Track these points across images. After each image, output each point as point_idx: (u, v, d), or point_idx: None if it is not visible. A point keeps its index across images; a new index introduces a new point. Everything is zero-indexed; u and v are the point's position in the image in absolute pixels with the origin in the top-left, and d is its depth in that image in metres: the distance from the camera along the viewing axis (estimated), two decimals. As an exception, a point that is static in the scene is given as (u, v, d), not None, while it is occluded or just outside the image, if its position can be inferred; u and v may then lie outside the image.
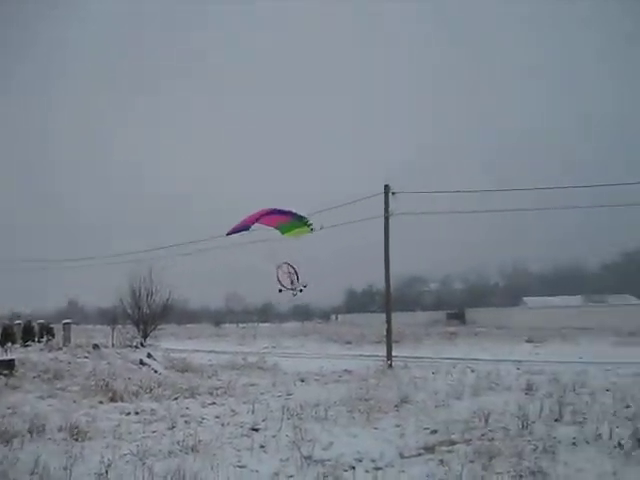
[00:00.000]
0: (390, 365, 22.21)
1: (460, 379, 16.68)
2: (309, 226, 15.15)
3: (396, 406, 12.94)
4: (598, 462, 8.15)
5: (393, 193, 23.60)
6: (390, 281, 24.74)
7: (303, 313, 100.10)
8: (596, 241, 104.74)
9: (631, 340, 33.24)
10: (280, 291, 14.77)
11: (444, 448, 9.16)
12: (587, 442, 9.28)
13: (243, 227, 14.50)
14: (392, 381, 17.05)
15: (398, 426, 10.94)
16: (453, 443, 9.45)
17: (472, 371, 18.83)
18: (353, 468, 8.21)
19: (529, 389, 14.76)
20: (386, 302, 25.56)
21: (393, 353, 23.68)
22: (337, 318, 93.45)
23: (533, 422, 10.50)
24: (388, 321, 24.36)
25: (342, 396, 14.10)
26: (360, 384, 16.44)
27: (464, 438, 9.71)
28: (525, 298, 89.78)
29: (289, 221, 14.97)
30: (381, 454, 8.85)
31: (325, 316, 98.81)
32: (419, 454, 8.97)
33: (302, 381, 18.19)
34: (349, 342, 40.35)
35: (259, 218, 14.48)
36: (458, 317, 73.18)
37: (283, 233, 15.03)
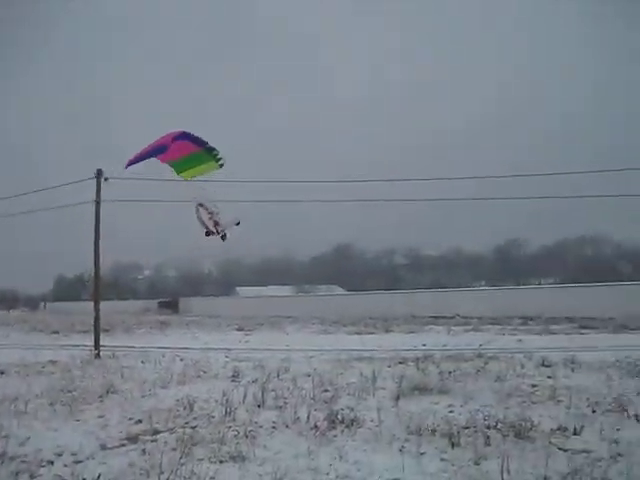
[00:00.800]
0: (98, 355, 21.53)
1: (168, 368, 16.55)
2: (218, 161, 12.22)
3: (101, 397, 12.52)
4: (295, 444, 8.50)
5: (106, 179, 22.90)
6: (100, 268, 23.99)
7: (10, 300, 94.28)
8: (307, 234, 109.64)
9: (334, 328, 35.24)
10: (207, 234, 12.19)
11: (147, 437, 9.03)
12: (287, 425, 9.64)
13: (151, 153, 11.51)
14: (98, 371, 16.51)
15: (102, 417, 10.59)
16: (157, 432, 9.34)
17: (181, 360, 18.77)
18: (51, 463, 7.83)
19: (235, 376, 15.00)
20: (95, 289, 24.76)
21: (102, 342, 23.00)
22: (45, 306, 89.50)
23: (236, 408, 10.68)
24: (96, 309, 23.60)
25: (44, 388, 13.40)
26: (64, 375, 15.71)
27: (168, 427, 9.65)
28: (238, 288, 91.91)
29: (197, 152, 11.90)
30: (82, 447, 8.48)
31: (33, 304, 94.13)
32: (122, 445, 8.76)
33: (2, 373, 17.05)
34: (56, 331, 38.45)
35: (168, 144, 11.36)
36: (171, 306, 73.16)
37: (180, 172, 12.03)
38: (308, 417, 9.89)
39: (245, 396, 11.71)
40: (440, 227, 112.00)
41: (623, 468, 7.03)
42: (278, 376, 14.69)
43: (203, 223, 11.97)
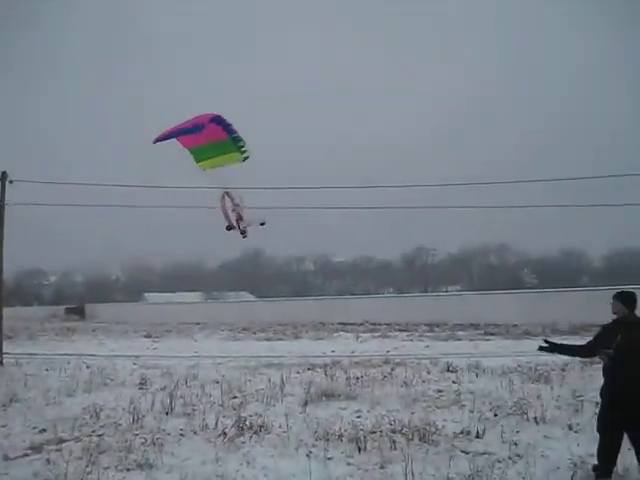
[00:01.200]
0: (0, 362, 20.93)
1: (74, 375, 16.22)
2: (243, 153, 10.69)
3: (4, 406, 12.22)
4: (203, 450, 8.53)
5: (11, 181, 22.25)
6: (2, 273, 23.28)
7: None
8: (216, 239, 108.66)
9: (243, 335, 35.16)
10: (229, 229, 10.53)
11: (52, 447, 8.89)
12: (195, 432, 9.66)
13: (184, 131, 9.97)
14: (1, 379, 16.07)
15: (4, 427, 10.37)
16: (62, 441, 9.20)
17: (87, 367, 18.40)
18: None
19: (143, 383, 14.86)
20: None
21: (5, 350, 22.33)
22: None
23: (144, 416, 10.61)
24: (-1, 315, 22.90)
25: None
26: (-37, 384, 15.26)
27: (73, 435, 9.52)
28: (146, 294, 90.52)
29: (223, 140, 10.49)
30: (-17, 457, 8.33)
31: None
32: (25, 454, 8.59)
33: None
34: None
35: (205, 125, 9.91)
36: (77, 312, 71.39)
37: (199, 161, 10.59)
38: (216, 424, 9.93)
39: (153, 403, 11.65)
40: (350, 234, 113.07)
41: (521, 468, 7.32)
42: (186, 383, 14.63)
43: (226, 215, 10.54)
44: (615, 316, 6.94)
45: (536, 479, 7.04)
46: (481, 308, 35.87)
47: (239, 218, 10.52)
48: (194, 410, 11.32)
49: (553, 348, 7.29)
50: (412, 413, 10.69)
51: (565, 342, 7.89)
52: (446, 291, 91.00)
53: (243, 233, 9.38)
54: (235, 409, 11.27)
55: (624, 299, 6.90)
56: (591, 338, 7.20)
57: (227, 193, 10.43)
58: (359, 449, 8.38)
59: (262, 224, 9.29)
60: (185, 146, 9.80)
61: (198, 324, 43.42)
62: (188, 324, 43.82)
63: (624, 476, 6.99)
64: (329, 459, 8.06)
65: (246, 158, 10.71)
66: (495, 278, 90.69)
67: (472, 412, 10.69)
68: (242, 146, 10.55)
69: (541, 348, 7.35)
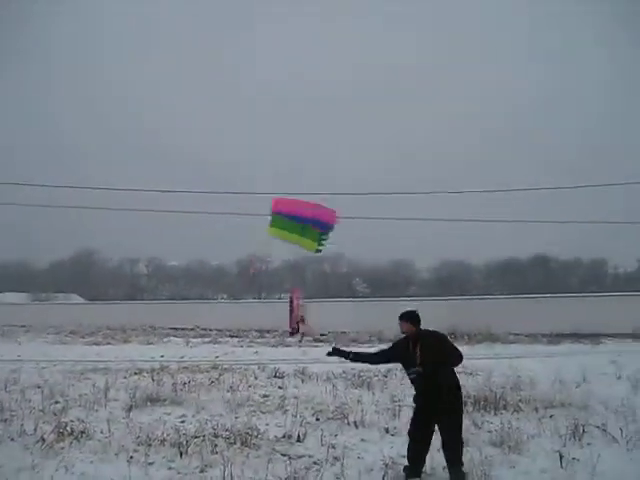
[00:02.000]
0: None
1: None
2: (320, 246, 10.66)
3: None
4: (19, 457, 8.27)
5: None
6: None
7: None
8: (46, 238, 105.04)
9: (70, 339, 34.08)
10: (292, 334, 8.74)
11: None
12: (12, 439, 9.34)
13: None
14: None
15: None
16: None
17: None
18: None
19: (-42, 389, 14.19)
20: None
21: None
22: None
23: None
24: None
25: None
26: None
27: None
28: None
29: (314, 229, 10.27)
30: None
31: None
32: None
33: None
34: None
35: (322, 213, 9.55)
36: None
37: (274, 226, 10.37)
38: (35, 429, 9.67)
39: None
40: (184, 238, 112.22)
41: (337, 470, 7.64)
42: (6, 388, 14.08)
43: (291, 317, 9.48)
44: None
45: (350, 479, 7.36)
46: (312, 316, 36.55)
47: (301, 320, 9.68)
48: (12, 416, 10.92)
49: (342, 354, 8.01)
50: (236, 418, 10.85)
51: (362, 350, 8.33)
52: (280, 298, 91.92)
53: (300, 340, 8.89)
54: (56, 414, 10.99)
55: (412, 319, 7.59)
56: (385, 347, 7.86)
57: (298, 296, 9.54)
58: (181, 454, 8.43)
59: (322, 335, 8.97)
60: (276, 209, 9.27)
61: (23, 326, 41.60)
62: (12, 326, 41.89)
63: (431, 475, 7.48)
64: (150, 464, 8.06)
65: (318, 251, 11.07)
66: (329, 286, 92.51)
67: (295, 417, 10.95)
68: (324, 240, 10.69)
69: (329, 354, 8.08)
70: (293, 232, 11.05)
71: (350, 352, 8.07)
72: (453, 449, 7.23)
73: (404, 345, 7.51)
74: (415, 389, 7.52)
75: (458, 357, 7.45)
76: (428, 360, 7.24)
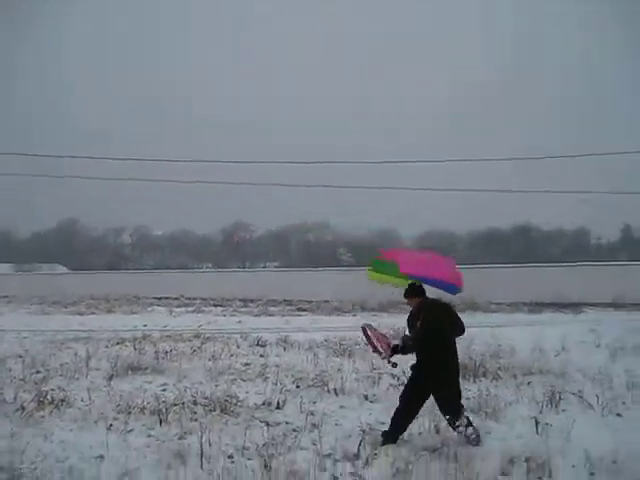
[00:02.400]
0: None
1: None
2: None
3: None
4: (-1, 426, 8.32)
5: None
6: None
7: None
8: (28, 208, 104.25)
9: (53, 309, 34.00)
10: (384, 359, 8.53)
11: None
12: (-10, 408, 9.37)
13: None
14: None
15: None
16: None
17: None
18: None
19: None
20: None
21: None
22: None
23: None
24: None
25: None
26: None
27: None
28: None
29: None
30: None
31: None
32: None
33: None
34: None
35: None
36: None
37: (377, 270, 9.04)
38: (15, 398, 9.70)
39: (-54, 379, 11.16)
40: (168, 207, 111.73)
41: (315, 436, 7.69)
42: (-15, 358, 14.08)
43: (371, 342, 9.11)
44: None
45: (327, 445, 7.42)
46: (296, 284, 36.61)
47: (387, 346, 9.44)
48: (-8, 385, 10.96)
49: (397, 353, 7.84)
50: (216, 386, 10.90)
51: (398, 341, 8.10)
52: (264, 267, 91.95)
53: (394, 365, 8.56)
54: (37, 383, 11.02)
55: (415, 291, 7.67)
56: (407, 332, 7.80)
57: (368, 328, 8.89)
58: (160, 421, 8.48)
59: (394, 365, 8.59)
60: (405, 271, 8.81)
61: (6, 297, 41.42)
62: (-5, 297, 41.75)
63: (408, 441, 7.55)
64: (129, 431, 8.11)
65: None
66: (313, 255, 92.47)
67: (275, 384, 11.03)
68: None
69: (394, 365, 7.91)
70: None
71: (398, 345, 7.89)
72: (454, 414, 7.35)
73: (414, 317, 7.60)
74: (416, 355, 7.57)
75: (460, 328, 7.43)
76: (430, 326, 7.27)
